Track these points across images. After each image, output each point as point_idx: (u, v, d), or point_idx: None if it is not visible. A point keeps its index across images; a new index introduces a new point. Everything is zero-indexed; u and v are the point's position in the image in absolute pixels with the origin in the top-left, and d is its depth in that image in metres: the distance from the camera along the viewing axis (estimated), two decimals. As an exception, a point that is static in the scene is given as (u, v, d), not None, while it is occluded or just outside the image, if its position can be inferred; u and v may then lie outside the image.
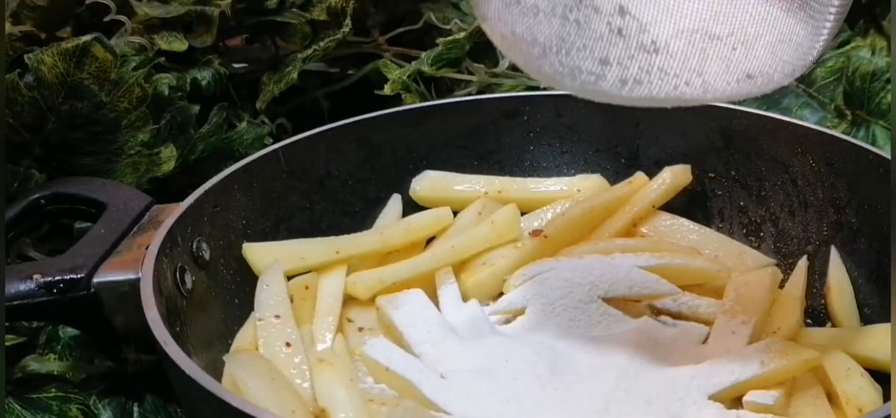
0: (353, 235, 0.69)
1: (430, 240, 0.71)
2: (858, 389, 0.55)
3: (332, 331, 0.63)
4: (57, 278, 0.57)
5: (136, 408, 0.62)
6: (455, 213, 0.72)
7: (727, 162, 0.71)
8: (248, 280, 0.64)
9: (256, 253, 0.65)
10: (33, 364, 0.63)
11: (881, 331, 0.59)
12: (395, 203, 0.73)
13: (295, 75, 0.84)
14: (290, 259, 0.65)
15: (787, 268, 0.67)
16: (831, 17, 0.46)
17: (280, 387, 0.54)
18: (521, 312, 0.64)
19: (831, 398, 0.56)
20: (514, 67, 0.83)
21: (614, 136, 0.75)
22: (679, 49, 0.44)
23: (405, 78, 0.83)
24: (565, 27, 0.45)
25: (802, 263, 0.67)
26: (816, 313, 0.66)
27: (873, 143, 0.76)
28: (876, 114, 0.78)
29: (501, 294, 0.67)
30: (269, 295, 0.62)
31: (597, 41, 0.44)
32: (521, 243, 0.69)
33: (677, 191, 0.71)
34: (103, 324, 0.58)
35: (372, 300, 0.65)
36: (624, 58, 0.44)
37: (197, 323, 0.59)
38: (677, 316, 0.64)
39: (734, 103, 0.69)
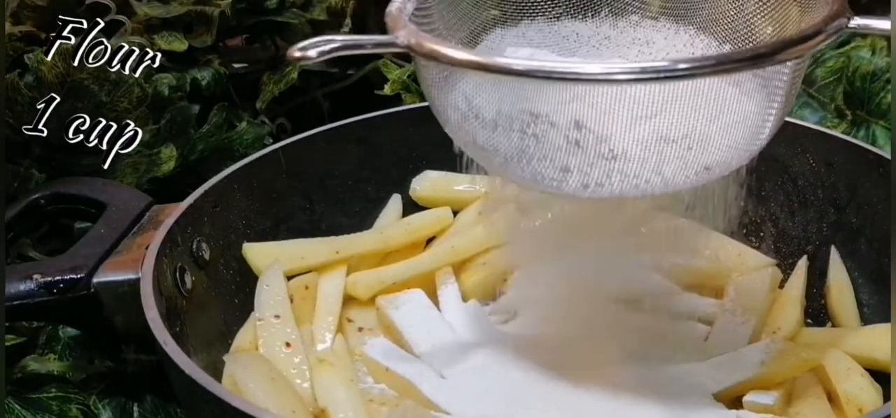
0: (353, 235, 0.69)
1: (430, 240, 0.71)
2: (858, 389, 0.55)
3: (332, 331, 0.63)
4: (57, 278, 0.57)
5: (136, 408, 0.62)
6: (455, 213, 0.72)
7: (727, 162, 0.71)
8: (248, 280, 0.64)
9: (256, 253, 0.65)
10: (33, 364, 0.63)
11: (881, 331, 0.59)
12: (395, 203, 0.73)
13: (295, 75, 0.84)
14: (290, 259, 0.65)
15: (787, 268, 0.67)
16: (782, 90, 0.47)
17: (280, 387, 0.55)
18: (520, 312, 0.64)
19: (831, 398, 0.56)
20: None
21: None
22: (636, 155, 0.45)
23: (405, 78, 0.83)
24: (524, 140, 0.46)
25: (802, 263, 0.67)
26: (816, 313, 0.66)
27: (873, 143, 0.76)
28: (876, 115, 0.78)
29: (501, 294, 0.67)
30: (269, 295, 0.62)
31: (556, 152, 0.46)
32: (521, 243, 0.69)
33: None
34: (103, 324, 0.58)
35: (372, 300, 0.65)
36: (584, 165, 0.46)
37: (197, 323, 0.59)
38: (677, 316, 0.64)
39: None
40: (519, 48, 0.54)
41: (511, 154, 0.47)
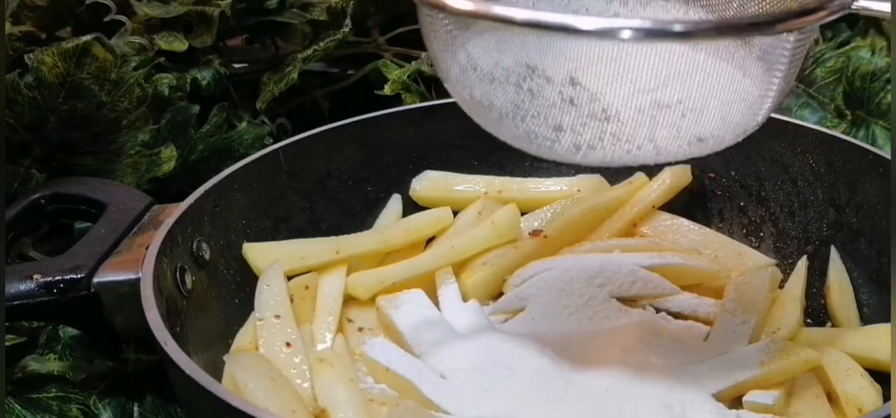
0: (353, 235, 0.69)
1: (430, 240, 0.71)
2: (858, 389, 0.55)
3: (332, 331, 0.62)
4: (57, 278, 0.57)
5: (136, 408, 0.62)
6: (455, 213, 0.72)
7: (727, 162, 0.71)
8: (248, 280, 0.64)
9: (256, 253, 0.65)
10: (33, 364, 0.63)
11: (881, 331, 0.59)
12: (395, 203, 0.73)
13: (295, 75, 0.84)
14: (290, 259, 0.65)
15: (787, 268, 0.67)
16: (781, 69, 0.47)
17: (280, 387, 0.54)
18: (520, 312, 0.64)
19: (831, 398, 0.56)
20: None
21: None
22: (630, 117, 0.45)
23: (405, 78, 0.83)
24: (519, 95, 0.46)
25: (802, 263, 0.67)
26: (816, 313, 0.66)
27: (873, 143, 0.76)
28: (876, 115, 0.79)
29: (501, 294, 0.67)
30: (269, 295, 0.62)
31: (550, 109, 0.46)
32: (520, 243, 0.69)
33: (677, 191, 0.71)
34: (103, 324, 0.58)
35: (372, 300, 0.65)
36: (577, 125, 0.46)
37: (197, 324, 0.59)
38: (677, 316, 0.64)
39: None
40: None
41: (506, 109, 0.46)
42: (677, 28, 0.42)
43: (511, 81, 0.46)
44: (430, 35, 0.49)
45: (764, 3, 0.52)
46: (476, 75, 0.47)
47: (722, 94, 0.46)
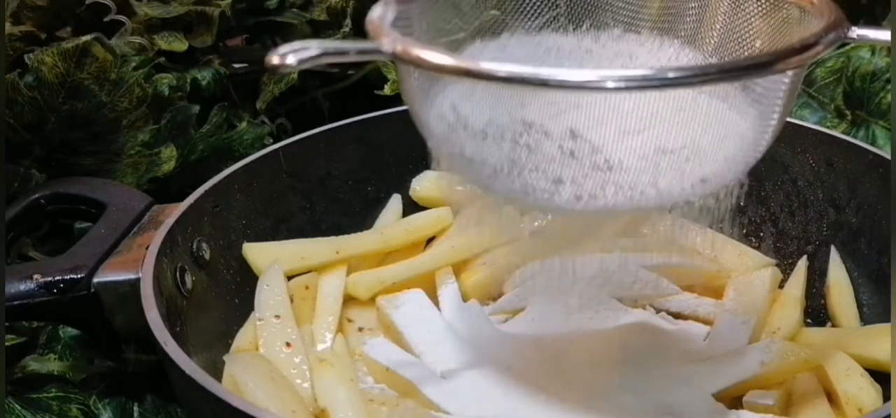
0: (353, 235, 0.69)
1: (430, 240, 0.71)
2: (858, 389, 0.55)
3: (332, 331, 0.63)
4: (57, 278, 0.57)
5: (136, 408, 0.62)
6: (455, 213, 0.72)
7: (727, 162, 0.71)
8: (248, 280, 0.64)
9: (256, 253, 0.65)
10: (33, 364, 0.63)
11: (881, 331, 0.59)
12: (395, 203, 0.73)
13: (295, 75, 0.84)
14: (290, 259, 0.65)
15: (787, 268, 0.67)
16: (780, 103, 0.46)
17: (280, 387, 0.55)
18: (520, 312, 0.64)
19: (831, 398, 0.56)
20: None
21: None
22: (632, 165, 0.44)
23: (405, 78, 0.83)
24: (516, 151, 0.44)
25: (802, 263, 0.67)
26: (816, 313, 0.66)
27: (873, 143, 0.76)
28: (876, 115, 0.78)
29: (501, 294, 0.67)
30: (269, 295, 0.62)
31: (549, 163, 0.44)
32: (520, 243, 0.69)
33: (677, 191, 0.71)
34: (103, 324, 0.58)
35: (372, 300, 0.65)
36: (578, 177, 0.44)
37: (197, 324, 0.59)
38: (677, 316, 0.64)
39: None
40: (504, 52, 0.53)
41: (501, 165, 0.45)
42: (680, 75, 0.41)
43: (506, 138, 0.44)
44: (412, 91, 0.47)
45: (738, 28, 0.52)
46: (466, 133, 0.45)
47: (724, 135, 0.45)
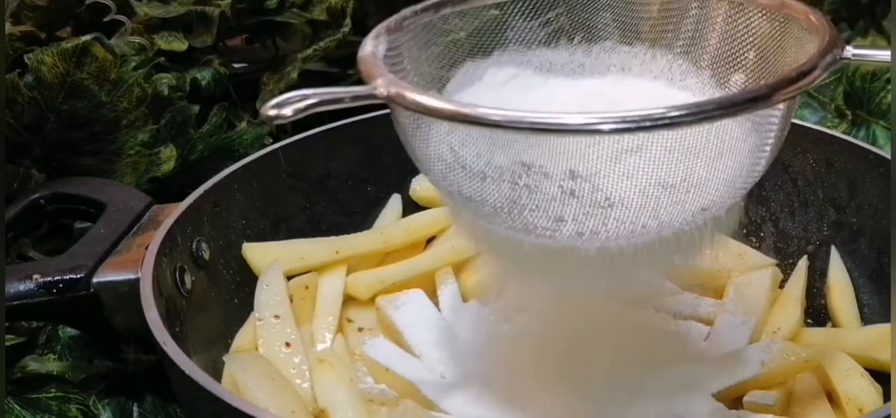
0: (353, 235, 0.69)
1: (430, 240, 0.71)
2: (858, 389, 0.55)
3: (332, 331, 0.63)
4: (57, 278, 0.57)
5: (136, 408, 0.62)
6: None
7: (727, 162, 0.71)
8: (248, 280, 0.64)
9: (256, 253, 0.65)
10: (33, 364, 0.63)
11: (881, 331, 0.59)
12: (395, 203, 0.73)
13: (295, 75, 0.84)
14: (290, 259, 0.65)
15: (787, 268, 0.67)
16: (776, 127, 0.46)
17: (280, 387, 0.54)
18: (521, 312, 0.64)
19: (831, 398, 0.56)
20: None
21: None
22: (634, 201, 0.44)
23: (405, 78, 0.83)
24: (515, 191, 0.44)
25: (802, 263, 0.67)
26: (816, 313, 0.66)
27: (873, 143, 0.76)
28: (876, 115, 0.79)
29: (501, 294, 0.67)
30: (269, 295, 0.62)
31: (550, 202, 0.44)
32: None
33: (677, 191, 0.71)
34: (103, 324, 0.58)
35: (372, 300, 0.65)
36: (579, 215, 0.44)
37: (197, 323, 0.59)
38: (677, 316, 0.64)
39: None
40: (499, 69, 0.53)
41: (501, 205, 0.45)
42: (675, 115, 0.40)
43: (505, 179, 0.44)
44: (408, 130, 0.47)
45: (730, 38, 0.52)
46: (464, 173, 0.45)
47: (722, 163, 0.45)
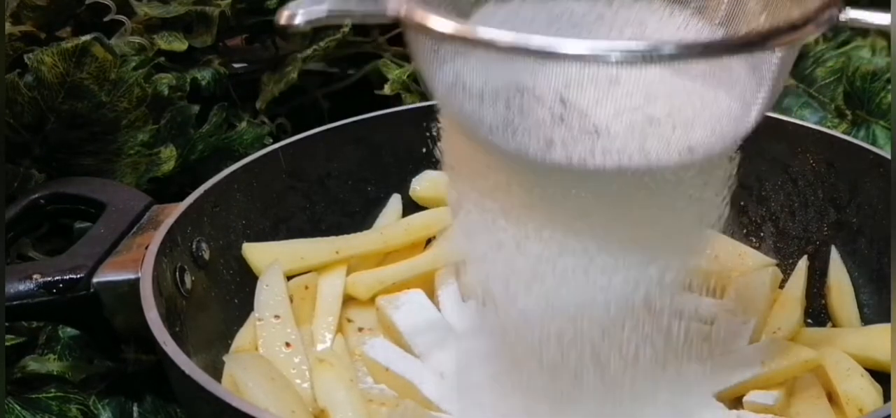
0: (353, 235, 0.69)
1: (430, 240, 0.71)
2: (858, 389, 0.55)
3: (332, 331, 0.63)
4: (57, 278, 0.57)
5: (135, 408, 0.62)
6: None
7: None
8: (248, 280, 0.64)
9: (256, 253, 0.65)
10: (33, 364, 0.63)
11: (881, 331, 0.59)
12: (395, 203, 0.73)
13: (295, 75, 0.84)
14: (290, 259, 0.65)
15: (787, 268, 0.67)
16: (769, 81, 0.47)
17: (280, 387, 0.54)
18: (520, 312, 0.64)
19: (831, 398, 0.56)
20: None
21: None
22: (620, 132, 0.45)
23: (405, 78, 0.83)
24: (509, 112, 0.46)
25: (802, 263, 0.67)
26: (816, 313, 0.66)
27: (873, 143, 0.76)
28: (876, 115, 0.78)
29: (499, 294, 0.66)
30: (269, 295, 0.62)
31: (540, 126, 0.45)
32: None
33: (677, 191, 0.71)
34: (103, 324, 0.58)
35: (372, 300, 0.65)
36: (567, 140, 0.45)
37: (197, 323, 0.59)
38: (677, 316, 0.64)
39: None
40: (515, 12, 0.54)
41: (496, 124, 0.46)
42: (667, 50, 0.42)
43: (500, 99, 0.46)
44: (418, 50, 0.49)
45: (750, 6, 0.52)
46: (465, 93, 0.47)
47: (711, 108, 0.46)
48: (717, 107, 0.46)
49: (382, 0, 0.46)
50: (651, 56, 0.42)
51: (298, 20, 0.43)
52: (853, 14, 0.46)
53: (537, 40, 0.42)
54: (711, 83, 0.46)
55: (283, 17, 0.43)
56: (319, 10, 0.44)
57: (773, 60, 0.47)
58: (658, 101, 0.45)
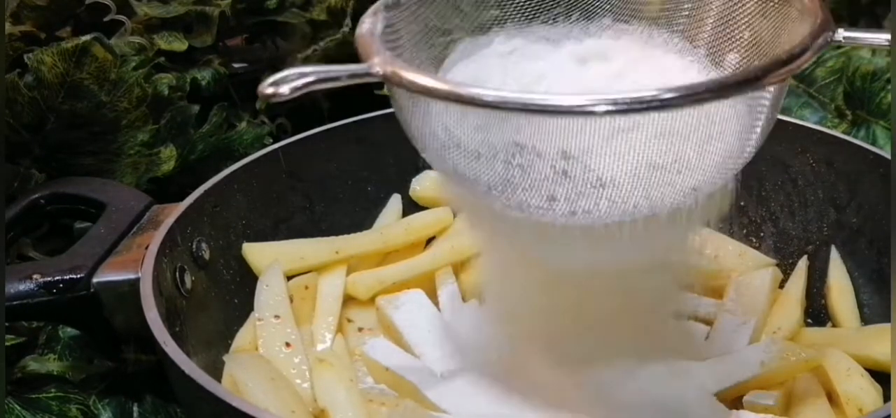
0: (353, 235, 0.69)
1: (430, 240, 0.71)
2: (858, 389, 0.55)
3: (332, 331, 0.63)
4: (57, 278, 0.57)
5: (135, 408, 0.62)
6: (455, 213, 0.72)
7: (727, 162, 0.71)
8: (248, 280, 0.64)
9: (256, 253, 0.65)
10: (33, 364, 0.63)
11: (881, 331, 0.59)
12: (395, 203, 0.73)
13: (295, 75, 0.83)
14: (290, 259, 0.65)
15: (787, 268, 0.67)
16: (765, 109, 0.47)
17: (280, 387, 0.54)
18: (520, 313, 0.64)
19: (831, 398, 0.56)
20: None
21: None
22: (625, 182, 0.44)
23: (405, 78, 0.83)
24: (509, 170, 0.44)
25: (802, 263, 0.67)
26: (816, 313, 0.66)
27: (873, 143, 0.76)
28: (876, 114, 0.78)
29: (500, 295, 0.66)
30: (269, 295, 0.62)
31: (542, 182, 0.44)
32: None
33: (677, 191, 0.71)
34: (103, 324, 0.58)
35: (372, 300, 0.65)
36: (571, 194, 0.44)
37: (197, 323, 0.59)
38: (677, 316, 0.64)
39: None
40: (498, 45, 0.53)
41: (495, 183, 0.45)
42: (666, 97, 0.41)
43: (499, 158, 0.44)
44: (404, 108, 0.47)
45: (726, 18, 0.52)
46: (459, 152, 0.45)
47: (712, 145, 0.45)
48: (717, 145, 0.45)
49: (369, 64, 0.44)
50: (655, 103, 0.41)
51: (283, 90, 0.42)
52: (848, 33, 0.46)
53: (534, 97, 0.41)
54: (711, 122, 0.45)
55: (267, 89, 0.42)
56: (304, 80, 0.42)
57: (769, 91, 0.46)
58: (663, 147, 0.44)
